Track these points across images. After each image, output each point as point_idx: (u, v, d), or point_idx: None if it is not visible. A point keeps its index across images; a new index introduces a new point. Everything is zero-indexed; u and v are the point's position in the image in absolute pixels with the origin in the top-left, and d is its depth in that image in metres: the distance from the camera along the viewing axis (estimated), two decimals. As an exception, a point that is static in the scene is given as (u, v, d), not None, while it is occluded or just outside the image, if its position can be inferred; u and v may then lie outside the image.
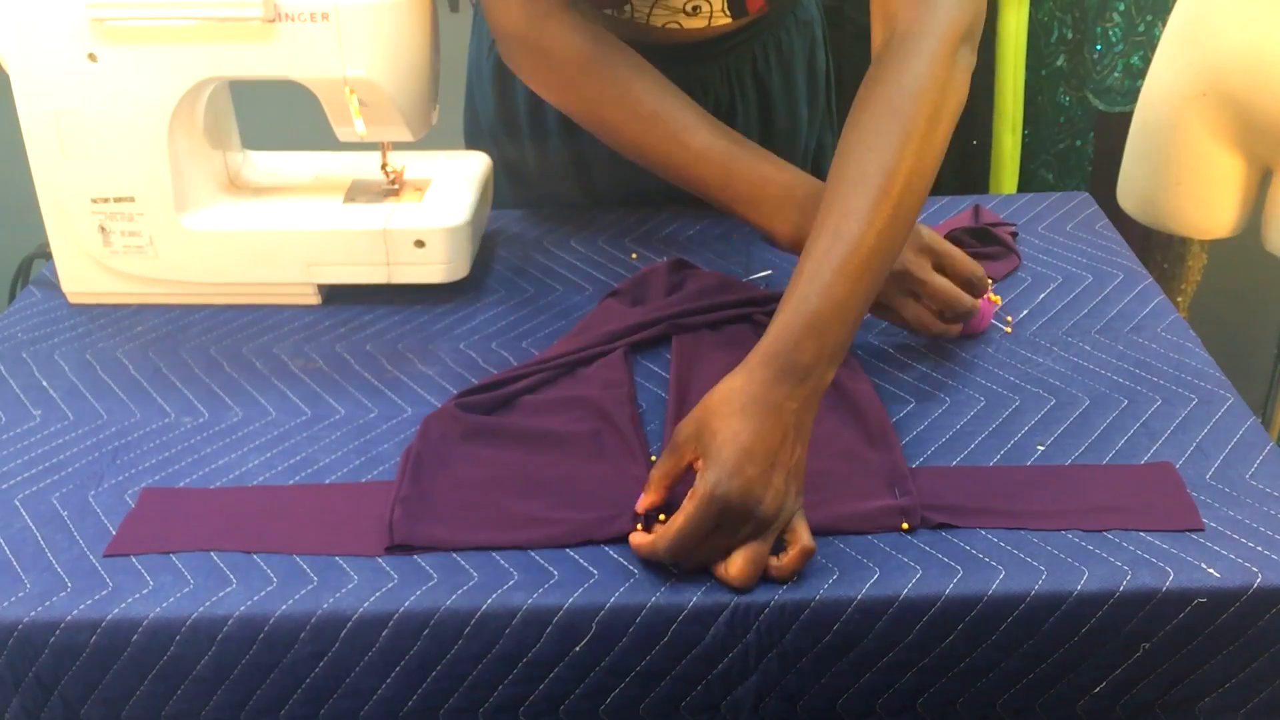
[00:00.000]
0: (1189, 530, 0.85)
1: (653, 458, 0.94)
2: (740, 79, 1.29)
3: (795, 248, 0.95)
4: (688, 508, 0.80)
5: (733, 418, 0.82)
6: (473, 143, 1.42)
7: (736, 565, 0.81)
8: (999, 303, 1.13)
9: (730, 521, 0.80)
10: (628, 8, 1.18)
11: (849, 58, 1.86)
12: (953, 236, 1.22)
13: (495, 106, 1.34)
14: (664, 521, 0.84)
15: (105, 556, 0.85)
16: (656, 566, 0.83)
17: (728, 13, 1.19)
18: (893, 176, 0.88)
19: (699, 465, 0.82)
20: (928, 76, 0.92)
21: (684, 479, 0.85)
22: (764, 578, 0.82)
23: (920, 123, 0.90)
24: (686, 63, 1.26)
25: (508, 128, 1.35)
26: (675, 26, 1.20)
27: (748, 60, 1.28)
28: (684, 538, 0.80)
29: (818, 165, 1.44)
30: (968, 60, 0.95)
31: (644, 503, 0.86)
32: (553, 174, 1.35)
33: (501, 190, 1.37)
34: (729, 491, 0.79)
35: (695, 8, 1.18)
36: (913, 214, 0.91)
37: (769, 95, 1.31)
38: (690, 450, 0.84)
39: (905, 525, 0.86)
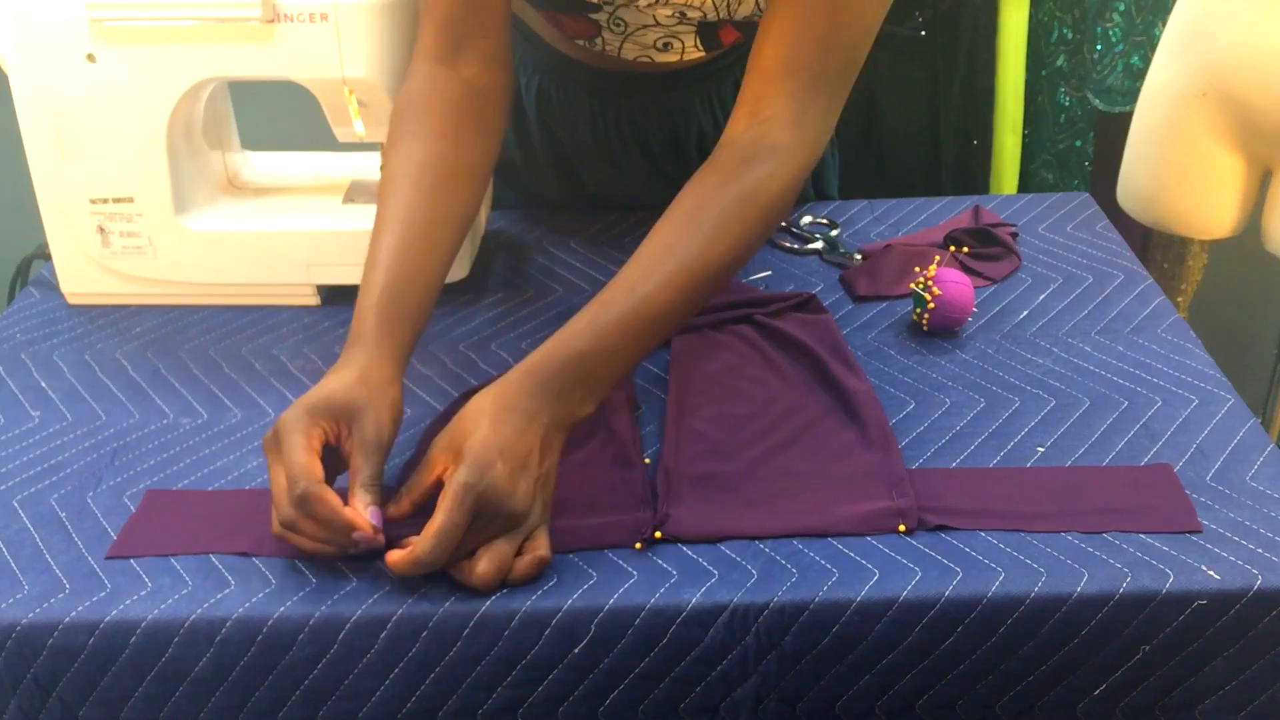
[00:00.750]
0: (1187, 532, 0.85)
1: (646, 459, 0.94)
2: (723, 103, 1.27)
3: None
4: (444, 505, 0.79)
5: (484, 420, 0.82)
6: None
7: (482, 564, 0.80)
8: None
9: (483, 517, 0.80)
10: (599, 40, 1.17)
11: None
12: (953, 236, 1.22)
13: None
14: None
15: (107, 559, 0.85)
16: (656, 569, 0.83)
17: (700, 47, 1.19)
18: (707, 266, 0.90)
19: (448, 472, 0.82)
20: (778, 195, 0.94)
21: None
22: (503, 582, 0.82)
23: (755, 230, 0.93)
24: (665, 90, 1.25)
25: None
26: (647, 60, 1.20)
27: (729, 85, 1.27)
28: (443, 536, 0.79)
29: (818, 174, 1.42)
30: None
31: (392, 511, 0.84)
32: (541, 177, 1.35)
33: (497, 194, 1.37)
34: (481, 484, 0.79)
35: (666, 44, 1.17)
36: (702, 303, 0.93)
37: None
38: (442, 461, 0.83)
39: (902, 527, 0.86)
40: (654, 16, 1.12)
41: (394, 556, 0.81)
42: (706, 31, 1.16)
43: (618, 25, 1.14)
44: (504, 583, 0.82)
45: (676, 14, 1.11)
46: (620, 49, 1.18)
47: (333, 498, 0.81)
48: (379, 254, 0.94)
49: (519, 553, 0.82)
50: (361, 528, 0.81)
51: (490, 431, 0.82)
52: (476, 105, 1.03)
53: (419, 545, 0.80)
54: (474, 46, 1.03)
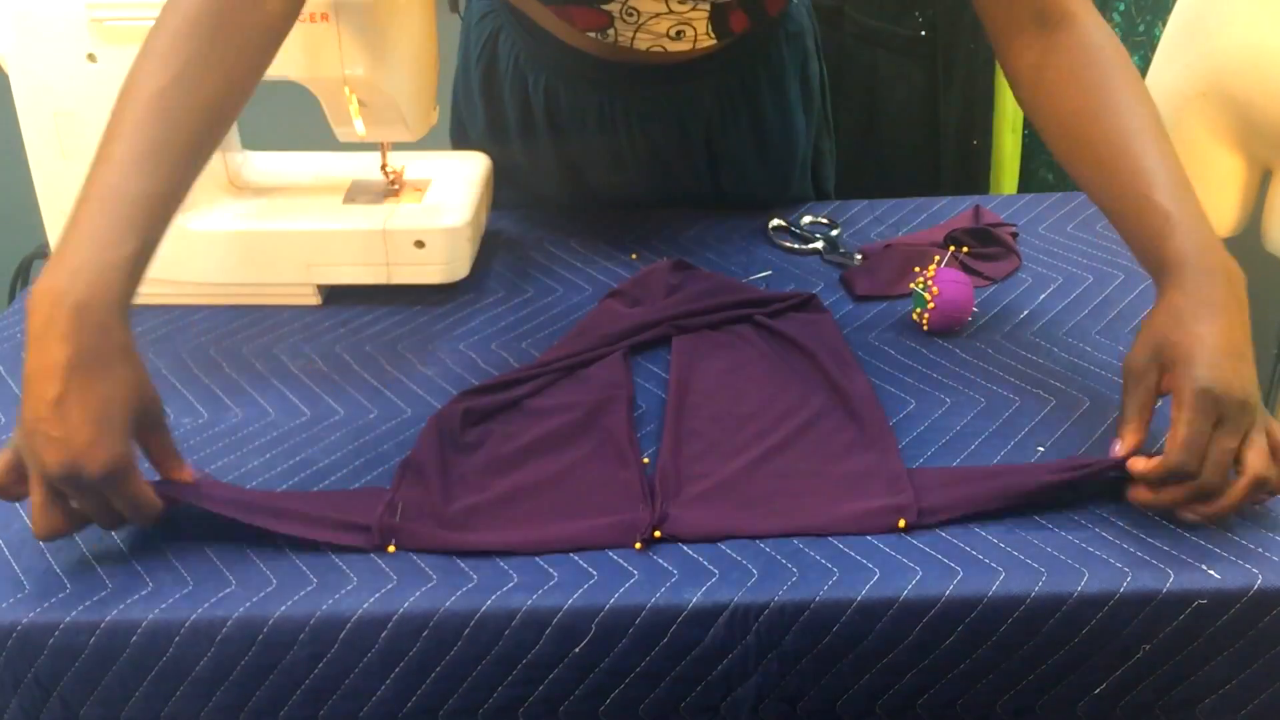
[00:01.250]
0: None
1: (645, 460, 0.94)
2: (730, 96, 1.28)
3: (36, 300, 0.81)
4: (1183, 416, 0.81)
5: (1188, 326, 0.84)
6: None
7: (1254, 461, 0.81)
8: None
9: (1228, 416, 0.81)
10: (611, 32, 1.18)
11: (849, 58, 1.85)
12: (953, 237, 1.22)
13: (484, 114, 1.34)
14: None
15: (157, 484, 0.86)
16: (657, 569, 0.83)
17: (712, 34, 1.19)
18: (1156, 118, 0.95)
19: (1168, 381, 0.84)
20: (1113, 38, 1.00)
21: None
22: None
23: (1135, 72, 0.98)
24: (674, 82, 1.25)
25: (496, 135, 1.34)
26: (659, 50, 1.20)
27: (736, 76, 1.27)
28: (1190, 442, 0.80)
29: (817, 171, 1.43)
30: None
31: (1125, 446, 0.86)
32: (545, 177, 1.35)
33: (498, 195, 1.37)
34: (1216, 384, 0.81)
35: (679, 31, 1.17)
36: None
37: (760, 110, 1.30)
38: (1153, 374, 0.86)
39: (902, 522, 0.86)
40: (666, 3, 1.13)
41: (1136, 494, 0.85)
42: (718, 16, 1.16)
43: (630, 15, 1.15)
44: (1264, 490, 0.83)
45: None
46: (633, 39, 1.18)
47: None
48: (109, 200, 0.85)
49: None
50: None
51: (1204, 332, 0.84)
52: (267, 44, 0.96)
53: (1171, 457, 0.81)
54: None
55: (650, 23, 1.16)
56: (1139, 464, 0.85)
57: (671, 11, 1.15)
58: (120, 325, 0.83)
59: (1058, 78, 0.99)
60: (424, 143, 1.21)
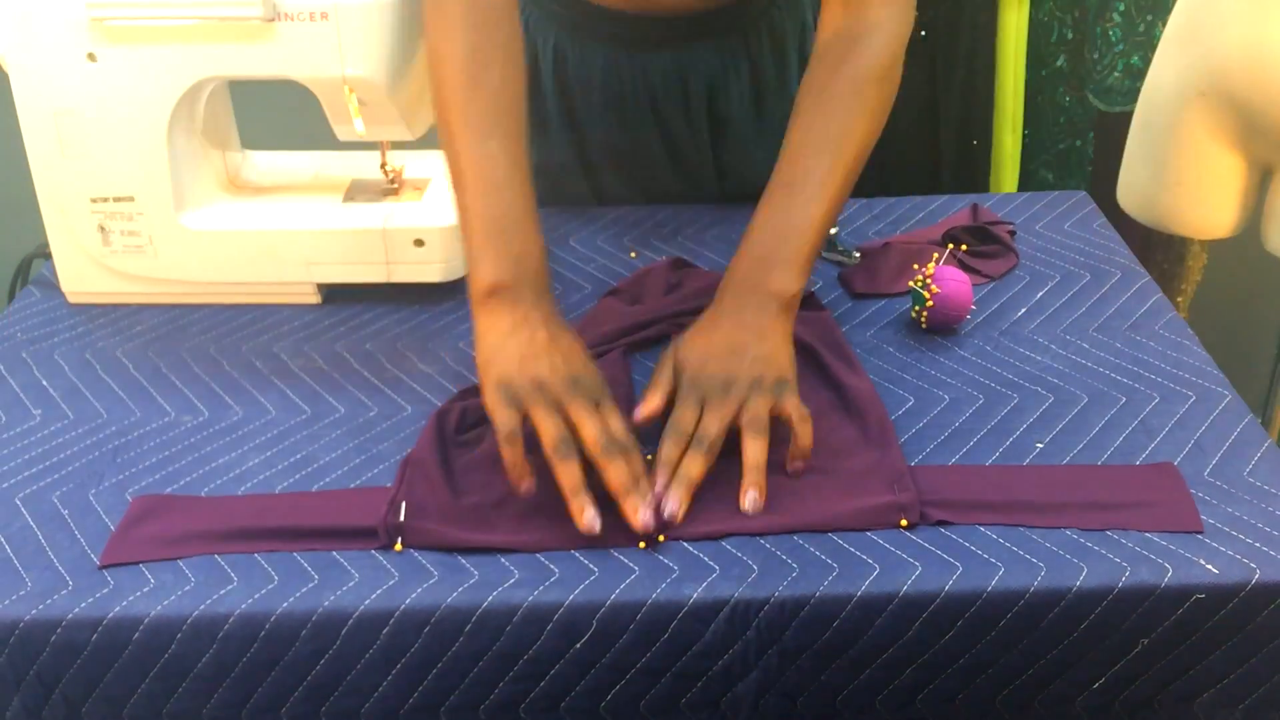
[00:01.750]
0: (1190, 532, 0.85)
1: (649, 457, 0.94)
2: (734, 58, 1.29)
3: (483, 292, 0.95)
4: (676, 408, 0.93)
5: (697, 336, 0.97)
6: None
7: (742, 419, 0.91)
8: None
9: (711, 402, 0.93)
10: None
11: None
12: (951, 235, 1.22)
13: None
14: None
15: (101, 567, 0.85)
16: (657, 565, 0.83)
17: None
18: (851, 148, 1.01)
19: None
20: (890, 67, 1.05)
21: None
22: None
23: (880, 104, 1.04)
24: (677, 41, 1.26)
25: None
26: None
27: (739, 40, 1.28)
28: (677, 424, 0.91)
29: None
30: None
31: (647, 408, 0.93)
32: (559, 174, 1.35)
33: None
34: (697, 377, 0.93)
35: None
36: (855, 165, 1.03)
37: (761, 76, 1.31)
38: (665, 373, 0.96)
39: (904, 522, 0.86)
40: None
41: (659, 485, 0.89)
42: None
43: None
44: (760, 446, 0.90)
45: None
46: None
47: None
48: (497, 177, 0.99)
49: None
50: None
51: (700, 339, 0.96)
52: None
53: (665, 443, 0.90)
54: None
55: None
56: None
57: None
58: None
59: (817, 69, 1.04)
60: (424, 142, 1.21)
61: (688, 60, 1.28)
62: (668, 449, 0.90)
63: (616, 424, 0.89)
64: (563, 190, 1.37)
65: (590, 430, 0.87)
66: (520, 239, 0.97)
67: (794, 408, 0.91)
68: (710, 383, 0.92)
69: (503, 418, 0.88)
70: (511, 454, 0.86)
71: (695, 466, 0.88)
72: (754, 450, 0.89)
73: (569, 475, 0.86)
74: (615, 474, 0.85)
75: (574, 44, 1.28)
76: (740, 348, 0.94)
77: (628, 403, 0.99)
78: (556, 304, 0.97)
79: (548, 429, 0.87)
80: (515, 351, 0.91)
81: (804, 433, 0.90)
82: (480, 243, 0.97)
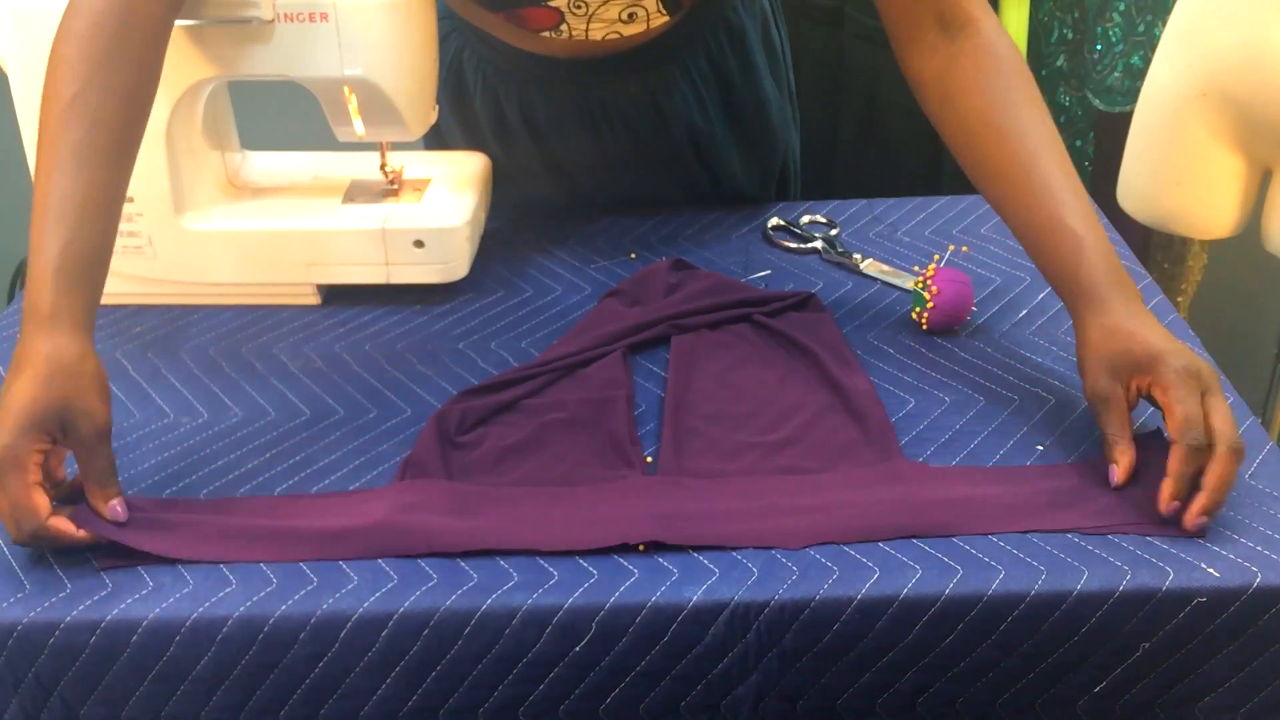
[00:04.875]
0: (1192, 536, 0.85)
1: (649, 459, 0.94)
2: (699, 70, 1.28)
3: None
4: (1172, 397, 0.84)
5: (1132, 337, 0.88)
6: None
7: (1220, 425, 0.84)
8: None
9: (1210, 387, 0.86)
10: (564, 28, 1.17)
11: (849, 58, 1.86)
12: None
13: (460, 133, 1.34)
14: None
15: (100, 570, 0.85)
16: (657, 567, 0.83)
17: (663, 10, 1.18)
18: (1053, 132, 0.98)
19: (1139, 386, 0.88)
20: (1011, 44, 1.03)
21: None
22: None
23: (1032, 79, 1.01)
24: (643, 70, 1.25)
25: (471, 141, 1.34)
26: (616, 36, 1.19)
27: (701, 49, 1.27)
28: (1189, 416, 0.84)
29: (796, 146, 1.45)
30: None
31: (1122, 469, 0.88)
32: (532, 181, 1.34)
33: (497, 194, 1.37)
34: (1189, 362, 0.86)
35: (631, 14, 1.17)
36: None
37: (728, 79, 1.30)
38: (1119, 390, 0.89)
39: (906, 524, 0.86)
40: None
41: (1166, 496, 0.84)
42: None
43: (579, 7, 1.14)
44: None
45: None
46: (587, 31, 1.17)
47: (61, 526, 0.83)
48: (51, 205, 0.87)
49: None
50: (90, 536, 0.84)
51: (1138, 337, 0.88)
52: (168, 29, 0.98)
53: (1185, 435, 0.83)
54: None
55: (600, 10, 1.15)
56: (1119, 475, 0.87)
57: None
58: (39, 331, 0.84)
59: (963, 87, 1.01)
60: (424, 142, 1.21)
61: (656, 88, 1.26)
62: (1190, 458, 0.83)
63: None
64: (549, 199, 1.36)
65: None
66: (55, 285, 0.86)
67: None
68: (1201, 365, 0.86)
69: None
70: None
71: (1233, 469, 0.84)
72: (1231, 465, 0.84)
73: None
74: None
75: (539, 92, 1.27)
76: (1174, 340, 0.89)
77: (629, 404, 0.99)
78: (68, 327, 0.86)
79: None
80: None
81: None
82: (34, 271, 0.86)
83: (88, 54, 0.91)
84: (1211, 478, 0.83)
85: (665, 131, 1.30)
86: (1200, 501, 0.84)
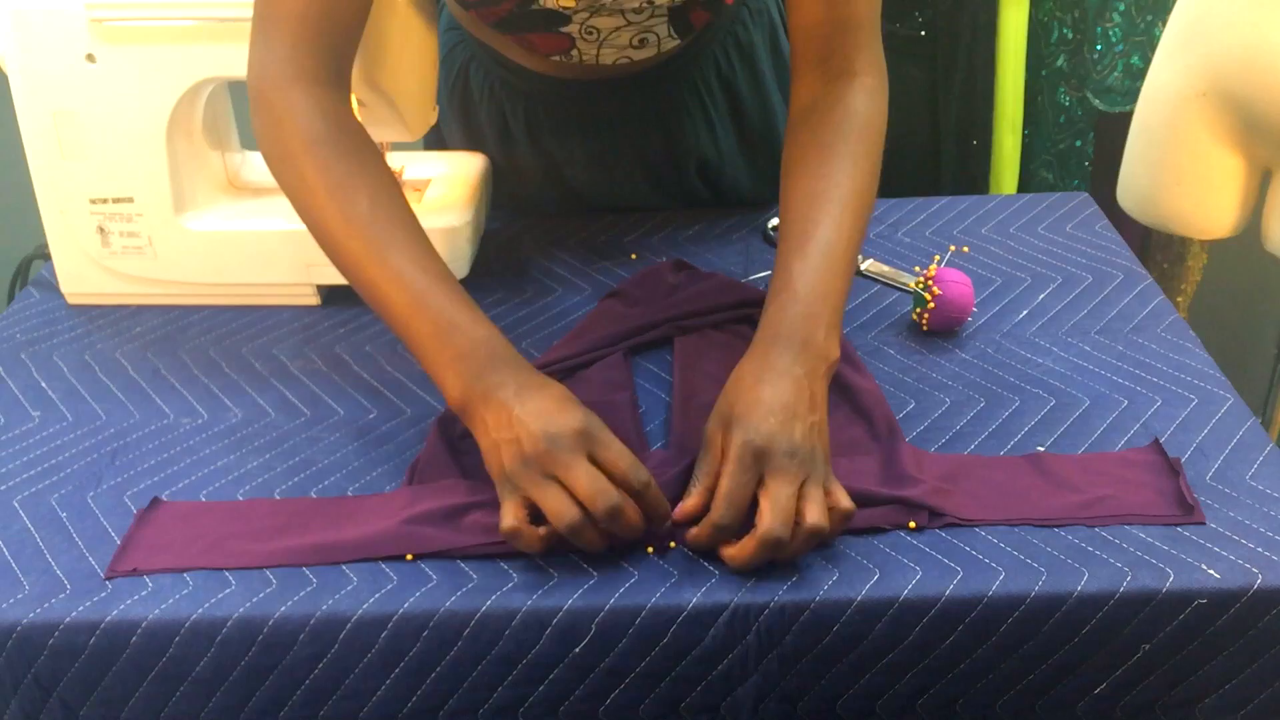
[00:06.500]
0: (1191, 522, 0.86)
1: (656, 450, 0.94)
2: (708, 87, 1.28)
3: (459, 409, 0.88)
4: (725, 469, 0.83)
5: (749, 390, 0.87)
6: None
7: (810, 512, 0.81)
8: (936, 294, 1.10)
9: (778, 467, 0.82)
10: (574, 52, 1.17)
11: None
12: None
13: (464, 141, 1.34)
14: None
15: (106, 578, 0.84)
16: (657, 569, 0.83)
17: (674, 35, 1.18)
18: (859, 195, 0.98)
19: (724, 440, 0.85)
20: (879, 125, 1.03)
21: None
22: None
23: (877, 156, 1.02)
24: (652, 90, 1.25)
25: (472, 146, 1.33)
26: (626, 61, 1.19)
27: (711, 65, 1.27)
28: (729, 494, 0.82)
29: None
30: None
31: (689, 506, 0.85)
32: (537, 191, 1.34)
33: (497, 195, 1.37)
34: (758, 437, 0.83)
35: (642, 40, 1.17)
36: (866, 224, 1.00)
37: (737, 93, 1.30)
38: (718, 437, 0.86)
39: (912, 524, 0.86)
40: (624, 16, 1.12)
41: (693, 532, 0.84)
42: (678, 17, 1.16)
43: (591, 34, 1.14)
44: (818, 540, 0.83)
45: (645, 4, 1.11)
46: (597, 56, 1.17)
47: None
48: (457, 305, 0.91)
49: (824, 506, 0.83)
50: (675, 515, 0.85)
51: (756, 396, 0.86)
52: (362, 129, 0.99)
53: (713, 512, 0.82)
54: (347, 65, 1.00)
55: (611, 37, 1.15)
56: (693, 532, 0.84)
57: (631, 23, 1.14)
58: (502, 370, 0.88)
59: (809, 126, 1.02)
60: (423, 142, 1.20)
61: (666, 109, 1.26)
62: (725, 516, 0.82)
63: (611, 455, 0.83)
64: (547, 203, 1.36)
65: (585, 491, 0.81)
66: (462, 337, 0.89)
67: (843, 496, 0.84)
68: (774, 445, 0.83)
69: (502, 513, 0.83)
70: (523, 545, 0.83)
71: (772, 551, 0.82)
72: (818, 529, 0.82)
73: (590, 545, 0.83)
74: (625, 533, 0.82)
75: (545, 109, 1.26)
76: (798, 412, 0.86)
77: (633, 405, 0.99)
78: (521, 363, 0.89)
79: (549, 508, 0.82)
80: (496, 444, 0.84)
81: (837, 521, 0.83)
82: (432, 360, 0.90)
83: (332, 170, 0.95)
84: (786, 551, 0.82)
85: (672, 149, 1.30)
86: (706, 521, 0.83)
